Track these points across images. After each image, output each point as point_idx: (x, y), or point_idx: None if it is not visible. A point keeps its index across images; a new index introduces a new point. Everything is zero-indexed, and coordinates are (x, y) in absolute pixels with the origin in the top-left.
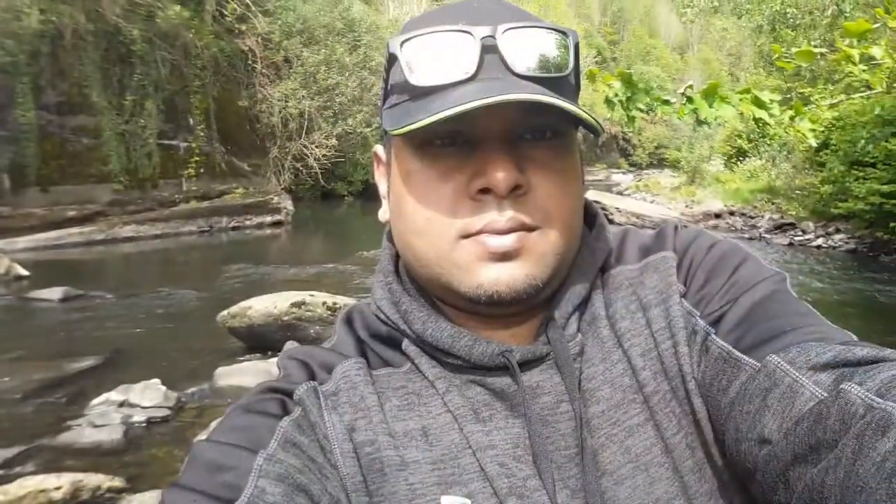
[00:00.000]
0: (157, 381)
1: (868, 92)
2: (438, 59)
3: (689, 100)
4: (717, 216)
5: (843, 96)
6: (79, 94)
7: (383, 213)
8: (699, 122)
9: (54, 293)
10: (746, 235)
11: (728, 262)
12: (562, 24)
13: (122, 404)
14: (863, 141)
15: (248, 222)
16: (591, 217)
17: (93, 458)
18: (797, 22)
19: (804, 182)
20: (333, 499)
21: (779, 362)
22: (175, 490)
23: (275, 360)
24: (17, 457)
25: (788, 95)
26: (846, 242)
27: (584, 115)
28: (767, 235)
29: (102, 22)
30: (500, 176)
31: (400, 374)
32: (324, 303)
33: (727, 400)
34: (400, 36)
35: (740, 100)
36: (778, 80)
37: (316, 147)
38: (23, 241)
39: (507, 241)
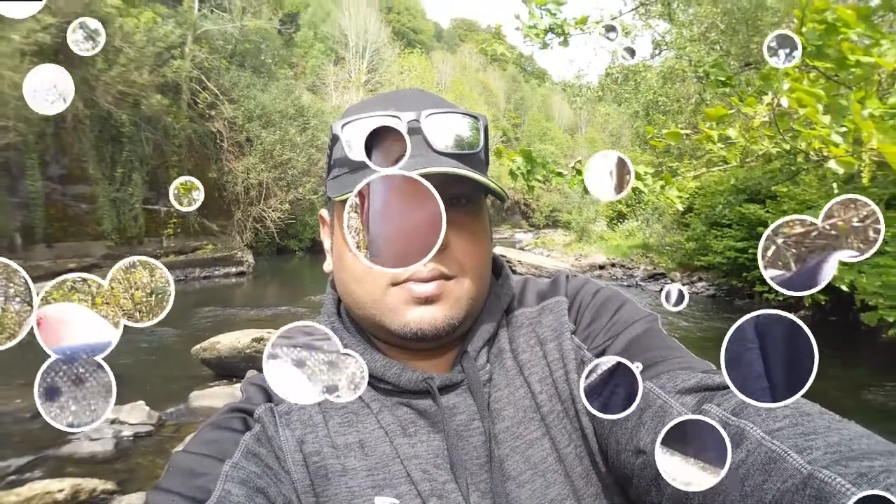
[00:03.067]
0: (142, 402)
1: (725, 166)
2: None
3: (579, 172)
4: (601, 267)
5: (704, 169)
6: (78, 167)
7: (327, 265)
8: (586, 191)
9: None
10: (625, 283)
11: (610, 305)
12: (474, 110)
13: (113, 421)
14: (720, 206)
15: (216, 273)
16: (497, 268)
17: (89, 465)
18: (667, 108)
19: (672, 239)
20: (287, 499)
21: (652, 387)
22: (157, 492)
23: (239, 385)
24: (27, 465)
25: (660, 168)
26: (707, 289)
27: (492, 185)
28: (642, 283)
29: (97, 108)
30: None
31: None
32: None
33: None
34: (341, 120)
35: None
36: (651, 156)
37: (272, 211)
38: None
39: (429, 288)
